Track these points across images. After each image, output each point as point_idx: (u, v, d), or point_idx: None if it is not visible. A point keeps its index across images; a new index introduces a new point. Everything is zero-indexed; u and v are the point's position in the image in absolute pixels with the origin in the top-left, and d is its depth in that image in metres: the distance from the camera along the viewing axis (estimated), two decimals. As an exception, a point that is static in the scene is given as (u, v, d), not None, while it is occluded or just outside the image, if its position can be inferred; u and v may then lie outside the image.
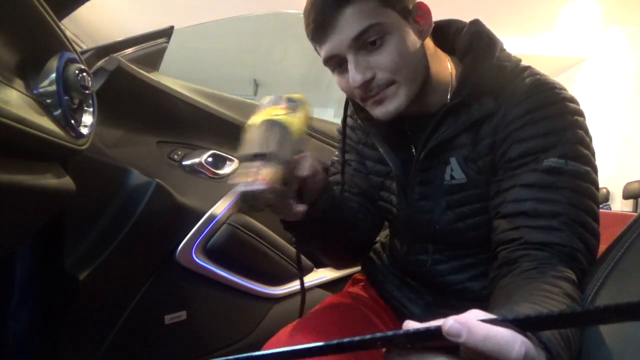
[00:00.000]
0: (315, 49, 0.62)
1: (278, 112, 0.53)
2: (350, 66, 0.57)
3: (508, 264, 0.52)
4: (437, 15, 0.67)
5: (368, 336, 0.26)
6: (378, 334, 0.26)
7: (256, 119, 0.53)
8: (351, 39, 0.55)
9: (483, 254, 0.64)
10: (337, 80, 0.62)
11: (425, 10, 0.60)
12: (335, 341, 0.26)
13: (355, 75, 0.57)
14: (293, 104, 0.56)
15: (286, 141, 0.50)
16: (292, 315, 0.72)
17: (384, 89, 0.58)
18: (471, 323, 0.25)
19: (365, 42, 0.56)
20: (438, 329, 0.25)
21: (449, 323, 0.25)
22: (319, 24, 0.56)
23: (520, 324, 0.26)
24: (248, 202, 0.47)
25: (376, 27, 0.55)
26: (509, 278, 0.49)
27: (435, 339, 0.26)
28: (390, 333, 0.26)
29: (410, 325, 0.27)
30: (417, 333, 0.26)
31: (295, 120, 0.53)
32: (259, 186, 0.46)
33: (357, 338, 0.26)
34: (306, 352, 0.26)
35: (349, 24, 0.54)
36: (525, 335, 0.27)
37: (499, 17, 4.43)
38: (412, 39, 0.58)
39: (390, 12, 0.56)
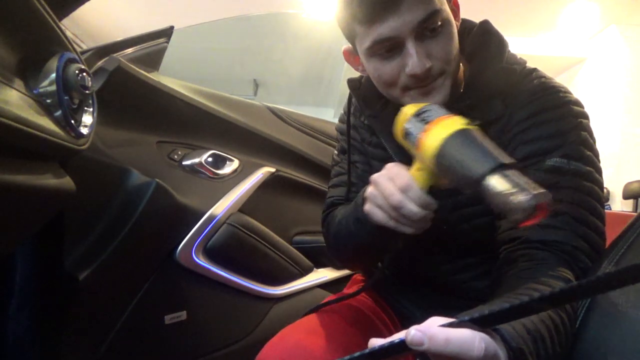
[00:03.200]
0: (350, 32, 0.58)
1: (464, 122, 0.46)
2: (413, 51, 0.53)
3: (508, 264, 0.52)
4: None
5: None
6: (346, 358, 0.27)
7: (446, 130, 0.45)
8: (417, 23, 0.52)
9: (487, 254, 0.64)
10: (374, 67, 0.58)
11: (457, 7, 0.61)
12: None
13: (418, 62, 0.53)
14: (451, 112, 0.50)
15: (499, 149, 0.43)
16: (292, 315, 0.72)
17: (435, 80, 0.57)
18: (432, 330, 0.26)
19: (426, 29, 0.54)
20: (402, 342, 0.27)
21: (411, 333, 0.26)
22: (380, 1, 0.52)
23: (477, 322, 0.28)
24: (533, 214, 0.38)
25: (439, 14, 0.53)
26: (506, 278, 0.49)
27: (400, 352, 0.27)
28: (356, 354, 0.27)
29: (375, 342, 0.28)
30: (382, 349, 0.27)
31: (481, 129, 0.47)
32: (542, 195, 0.38)
33: None
34: None
35: (416, 7, 0.52)
36: (487, 332, 0.29)
37: (501, 18, 4.42)
38: (455, 31, 0.58)
39: (444, 0, 0.55)
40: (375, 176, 0.52)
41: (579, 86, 4.97)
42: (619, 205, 4.26)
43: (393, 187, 0.49)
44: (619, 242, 0.51)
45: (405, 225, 0.51)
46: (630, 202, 4.10)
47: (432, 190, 0.49)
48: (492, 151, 0.42)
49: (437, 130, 0.46)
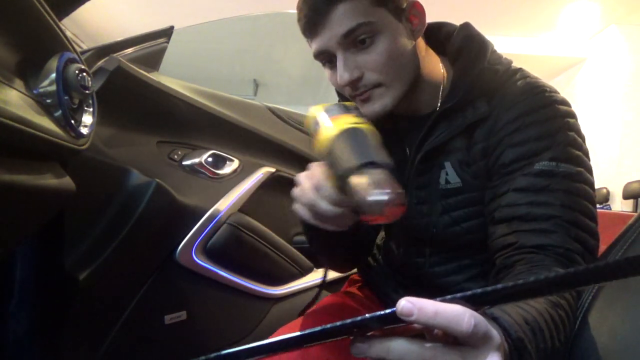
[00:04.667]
0: (308, 43, 0.62)
1: (355, 121, 0.48)
2: (339, 64, 0.57)
3: (505, 269, 0.52)
4: (438, 16, 0.67)
5: (328, 325, 0.27)
6: (338, 323, 0.27)
7: (334, 129, 0.47)
8: (340, 36, 0.55)
9: (480, 255, 0.64)
10: (327, 75, 0.63)
11: (419, 10, 0.60)
12: (297, 333, 0.27)
13: (343, 74, 0.57)
14: (358, 112, 0.51)
15: (381, 148, 0.45)
16: (292, 315, 0.72)
17: (370, 89, 0.58)
18: (422, 302, 0.27)
19: (355, 41, 0.56)
20: (392, 312, 0.27)
21: (402, 304, 0.27)
22: (310, 19, 0.56)
23: (469, 301, 0.28)
24: (381, 212, 0.40)
25: (366, 26, 0.55)
26: (504, 281, 0.49)
27: (392, 322, 0.27)
28: (348, 321, 0.27)
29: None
30: (373, 318, 0.27)
31: (373, 128, 0.48)
32: (396, 195, 0.39)
33: (317, 329, 0.27)
34: (272, 347, 0.27)
35: (340, 21, 0.54)
36: (482, 314, 0.29)
37: (501, 18, 4.43)
38: (403, 39, 0.58)
39: (382, 11, 0.56)
40: (299, 175, 0.53)
41: (579, 86, 4.97)
42: (619, 205, 4.27)
43: (308, 185, 0.50)
44: (619, 242, 0.51)
45: (326, 223, 0.50)
46: (630, 202, 4.10)
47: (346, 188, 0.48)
48: (367, 150, 0.43)
49: (327, 129, 0.48)
